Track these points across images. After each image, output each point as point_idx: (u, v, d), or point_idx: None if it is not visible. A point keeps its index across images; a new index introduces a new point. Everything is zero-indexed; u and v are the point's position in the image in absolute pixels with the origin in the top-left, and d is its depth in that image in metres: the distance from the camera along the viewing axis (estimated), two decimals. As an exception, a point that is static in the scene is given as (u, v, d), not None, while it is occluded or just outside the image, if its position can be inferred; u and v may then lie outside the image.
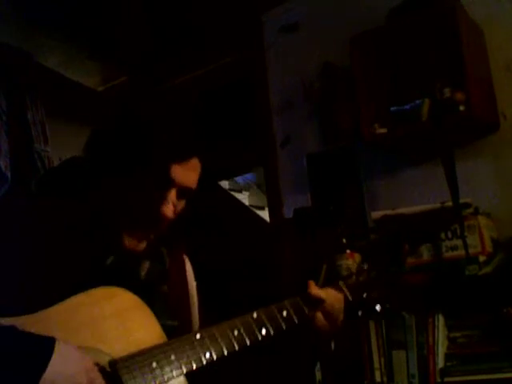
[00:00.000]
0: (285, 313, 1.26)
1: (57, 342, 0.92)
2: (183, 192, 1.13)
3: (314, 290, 1.31)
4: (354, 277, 1.45)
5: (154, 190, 1.10)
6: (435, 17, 2.20)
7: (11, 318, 0.94)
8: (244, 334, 1.17)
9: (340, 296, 1.35)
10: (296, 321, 1.27)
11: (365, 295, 1.41)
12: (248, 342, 1.16)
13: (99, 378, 0.95)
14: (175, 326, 1.18)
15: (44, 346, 0.91)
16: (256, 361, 1.30)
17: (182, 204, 1.16)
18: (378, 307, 1.43)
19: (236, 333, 1.16)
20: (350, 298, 1.37)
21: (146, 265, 1.19)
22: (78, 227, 1.12)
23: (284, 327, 1.24)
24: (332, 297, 1.32)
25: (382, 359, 2.06)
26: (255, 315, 1.21)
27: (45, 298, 0.99)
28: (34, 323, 0.95)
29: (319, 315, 1.29)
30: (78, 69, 3.27)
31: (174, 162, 1.09)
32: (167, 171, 1.09)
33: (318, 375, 2.12)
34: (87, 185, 1.15)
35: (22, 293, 1.00)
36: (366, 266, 1.46)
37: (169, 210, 1.11)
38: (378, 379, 2.05)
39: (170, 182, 1.10)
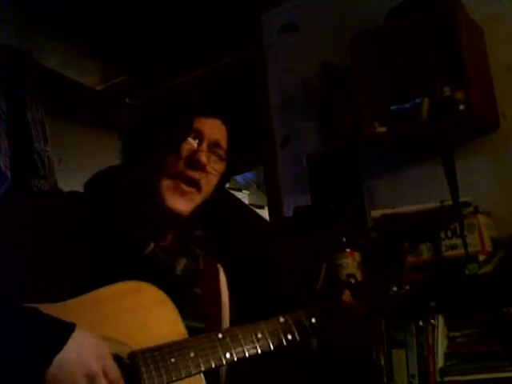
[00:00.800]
0: (314, 320, 1.25)
1: (77, 328, 0.93)
2: (212, 146, 1.20)
3: (348, 299, 1.34)
4: (383, 290, 1.45)
5: (186, 141, 1.16)
6: (435, 17, 2.20)
7: (39, 305, 0.96)
8: (268, 338, 1.16)
9: (365, 307, 1.37)
10: (323, 328, 1.27)
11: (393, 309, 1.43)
12: (272, 346, 1.16)
13: (114, 367, 0.96)
14: (202, 329, 1.18)
15: (62, 329, 0.92)
16: (263, 361, 1.30)
17: (217, 166, 1.21)
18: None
19: (260, 335, 1.15)
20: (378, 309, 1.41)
21: (183, 262, 1.19)
22: (114, 216, 1.14)
23: (311, 333, 1.24)
24: (358, 308, 1.35)
25: (382, 359, 2.06)
26: (282, 320, 1.20)
27: (78, 288, 1.02)
28: (58, 312, 0.97)
29: (342, 325, 1.32)
30: (77, 68, 3.27)
31: (198, 114, 1.19)
32: (192, 122, 1.17)
33: (318, 375, 2.13)
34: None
35: (54, 284, 1.02)
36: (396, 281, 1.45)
37: (202, 155, 1.16)
38: (378, 378, 2.05)
39: (196, 132, 1.18)
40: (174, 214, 1.16)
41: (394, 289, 1.42)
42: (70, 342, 0.91)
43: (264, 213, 3.82)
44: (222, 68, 3.07)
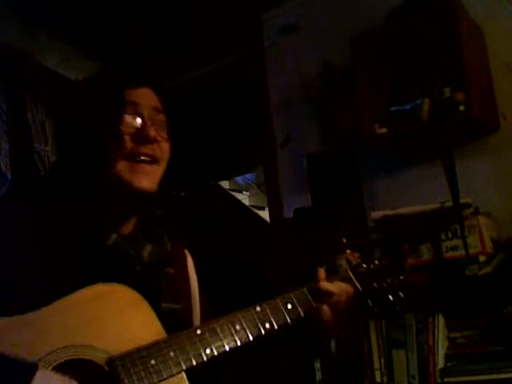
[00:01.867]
0: (290, 305, 1.21)
1: (38, 370, 0.89)
2: (152, 115, 1.17)
3: (324, 283, 1.27)
4: (363, 265, 1.38)
5: (125, 117, 1.14)
6: (435, 17, 2.20)
7: (9, 318, 0.94)
8: (246, 329, 1.13)
9: (349, 288, 1.30)
10: (302, 314, 1.22)
11: (375, 284, 1.35)
12: (251, 337, 1.13)
13: None
14: (178, 309, 1.17)
15: (24, 372, 0.89)
16: (254, 358, 1.29)
17: (163, 132, 1.18)
18: (390, 297, 1.37)
19: (238, 327, 1.12)
20: (360, 287, 1.32)
21: (148, 247, 1.17)
22: (72, 213, 1.12)
23: (289, 321, 1.20)
24: (341, 290, 1.28)
25: (382, 359, 2.06)
26: (258, 308, 1.17)
27: (46, 294, 0.99)
28: (31, 322, 0.95)
29: (326, 308, 1.25)
30: (77, 69, 3.27)
31: (127, 87, 1.16)
32: (123, 95, 1.14)
33: (318, 375, 2.12)
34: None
35: (22, 291, 0.99)
36: (377, 254, 1.38)
37: (149, 129, 1.14)
38: (378, 379, 2.05)
39: (132, 104, 1.15)
40: (142, 194, 1.14)
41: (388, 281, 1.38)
42: None
43: (264, 214, 3.82)
44: (222, 68, 3.07)
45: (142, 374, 0.99)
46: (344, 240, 2.14)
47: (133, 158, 1.13)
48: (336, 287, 1.28)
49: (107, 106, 1.14)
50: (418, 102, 2.16)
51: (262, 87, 2.90)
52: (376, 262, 1.41)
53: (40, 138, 2.93)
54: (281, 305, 1.20)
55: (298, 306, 1.23)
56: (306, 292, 1.26)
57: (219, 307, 1.20)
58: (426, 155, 2.34)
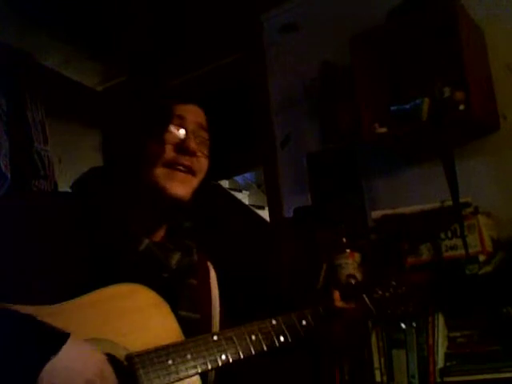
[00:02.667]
0: (304, 322, 1.27)
1: (71, 337, 0.92)
2: (196, 131, 1.22)
3: (338, 302, 1.35)
4: (379, 292, 1.44)
5: (170, 128, 1.19)
6: (435, 17, 2.20)
7: (34, 307, 0.95)
8: (261, 340, 1.18)
9: (360, 309, 1.37)
10: (315, 331, 1.29)
11: (389, 311, 1.42)
12: (265, 348, 1.18)
13: (110, 372, 0.95)
14: (197, 320, 1.20)
15: (55, 338, 0.91)
16: (259, 362, 1.30)
17: (204, 148, 1.24)
18: (403, 325, 1.44)
19: (254, 338, 1.17)
20: (375, 312, 1.39)
21: (177, 256, 1.20)
22: (104, 215, 1.15)
23: (302, 335, 1.26)
24: (354, 311, 1.35)
25: (382, 359, 2.06)
26: (274, 322, 1.23)
27: (74, 288, 1.02)
28: (55, 314, 0.96)
29: (338, 328, 1.32)
30: (77, 68, 3.27)
31: (177, 101, 1.22)
32: (172, 107, 1.20)
33: (318, 375, 2.13)
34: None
35: (48, 284, 1.01)
36: (394, 282, 1.45)
37: (191, 141, 1.19)
38: (378, 379, 2.05)
39: (179, 118, 1.20)
40: (175, 201, 1.18)
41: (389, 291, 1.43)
42: (64, 350, 0.90)
43: (264, 213, 3.82)
44: (222, 68, 3.07)
45: (159, 372, 1.02)
46: (344, 239, 2.15)
47: (171, 166, 1.17)
48: (349, 307, 1.35)
49: (156, 115, 1.19)
50: (417, 101, 2.16)
51: (262, 87, 2.90)
52: (391, 290, 1.46)
53: (40, 137, 2.93)
54: (296, 321, 1.27)
55: (312, 323, 1.29)
56: (321, 311, 1.32)
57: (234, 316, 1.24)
58: (426, 155, 2.34)
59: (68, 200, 1.18)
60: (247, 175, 5.22)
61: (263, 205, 4.43)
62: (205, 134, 1.25)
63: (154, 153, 1.16)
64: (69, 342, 0.91)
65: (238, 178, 5.22)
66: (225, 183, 4.84)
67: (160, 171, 1.16)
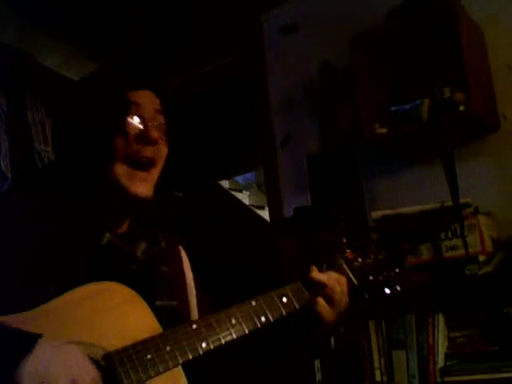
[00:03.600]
0: (285, 299, 1.23)
1: (42, 339, 0.90)
2: (153, 117, 1.17)
3: (316, 273, 1.29)
4: (359, 259, 1.40)
5: (118, 120, 1.13)
6: (435, 17, 2.20)
7: (5, 316, 0.94)
8: (242, 322, 1.14)
9: (343, 279, 1.31)
10: (297, 306, 1.24)
11: (371, 278, 1.37)
12: (246, 331, 1.14)
13: (91, 369, 0.93)
14: (174, 307, 1.18)
15: (25, 341, 0.89)
16: (255, 359, 1.29)
17: (163, 135, 1.18)
18: (387, 290, 1.38)
19: (234, 321, 1.13)
20: (355, 280, 1.34)
21: (142, 245, 1.18)
22: (67, 212, 1.12)
23: (284, 313, 1.21)
24: (334, 280, 1.29)
25: (382, 359, 2.06)
26: (254, 303, 1.19)
27: (42, 293, 0.99)
28: (28, 321, 0.95)
29: (320, 300, 1.26)
30: (77, 69, 3.27)
31: (131, 89, 1.16)
32: (128, 97, 1.14)
33: (318, 375, 2.13)
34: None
35: (18, 291, 1.00)
36: (373, 248, 1.40)
37: (152, 131, 1.15)
38: (378, 379, 2.05)
39: (135, 106, 1.15)
40: (138, 200, 1.15)
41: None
42: (37, 353, 0.88)
43: (265, 214, 3.83)
44: (222, 68, 3.07)
45: (139, 368, 0.99)
46: (344, 240, 2.14)
47: (132, 161, 1.14)
48: (327, 277, 1.29)
49: (110, 107, 1.14)
50: (417, 102, 2.16)
51: (262, 87, 2.90)
52: (371, 256, 1.42)
53: (40, 137, 2.93)
54: (276, 298, 1.22)
55: (293, 298, 1.24)
56: (300, 285, 1.28)
57: (221, 306, 1.21)
58: (426, 155, 2.34)
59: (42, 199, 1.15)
60: (247, 175, 5.22)
61: (263, 205, 4.43)
62: (162, 119, 1.19)
63: (114, 146, 1.12)
64: (42, 343, 0.89)
65: (239, 178, 5.22)
66: (225, 183, 4.84)
67: (120, 169, 1.12)
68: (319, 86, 2.68)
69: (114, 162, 1.12)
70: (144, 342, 1.03)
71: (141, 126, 1.15)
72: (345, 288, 1.30)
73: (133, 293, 1.08)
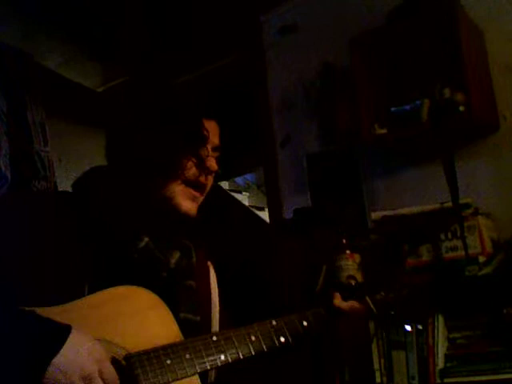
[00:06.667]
0: (305, 323, 1.29)
1: (73, 331, 0.94)
2: (214, 150, 1.23)
3: (339, 302, 1.37)
4: (382, 293, 1.45)
5: (194, 147, 1.18)
6: (435, 17, 2.20)
7: (36, 308, 0.96)
8: (261, 340, 1.19)
9: (363, 309, 1.40)
10: (316, 331, 1.31)
11: (393, 313, 1.45)
12: (265, 349, 1.19)
13: (110, 368, 0.96)
14: (196, 321, 1.20)
15: (59, 332, 0.93)
16: (259, 362, 1.30)
17: (216, 166, 1.23)
18: (408, 327, 1.46)
19: (253, 338, 1.18)
20: (375, 311, 1.41)
21: (177, 255, 1.21)
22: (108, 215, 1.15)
23: (303, 336, 1.27)
24: (355, 310, 1.38)
25: (382, 360, 2.06)
26: (275, 323, 1.24)
27: (76, 291, 1.03)
28: (55, 314, 0.97)
29: (341, 328, 1.38)
30: (77, 69, 3.27)
31: (204, 117, 1.21)
32: (201, 127, 1.19)
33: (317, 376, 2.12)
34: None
35: (55, 287, 1.02)
36: (397, 284, 1.47)
37: (213, 161, 1.21)
38: (378, 380, 2.05)
39: (204, 137, 1.20)
40: (185, 217, 1.19)
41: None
42: (67, 344, 0.92)
43: (264, 214, 3.82)
44: (222, 68, 3.07)
45: (158, 371, 1.03)
46: (344, 240, 2.14)
47: (189, 184, 1.18)
48: (350, 307, 1.38)
49: (187, 134, 1.18)
50: (417, 102, 2.16)
51: (262, 87, 2.89)
52: (394, 291, 1.48)
53: (40, 138, 2.93)
54: (297, 322, 1.28)
55: (313, 323, 1.31)
56: (323, 311, 1.35)
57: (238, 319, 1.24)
58: (426, 156, 2.34)
59: (68, 199, 1.17)
60: (247, 176, 5.22)
61: (263, 206, 4.43)
62: (218, 153, 1.26)
63: (178, 167, 1.16)
64: (71, 335, 0.93)
65: (238, 179, 5.22)
66: (225, 184, 4.84)
67: (178, 188, 1.17)
68: (319, 87, 2.68)
69: (174, 182, 1.17)
70: (164, 347, 1.06)
71: (205, 156, 1.20)
72: (362, 316, 1.40)
73: (158, 299, 1.11)
